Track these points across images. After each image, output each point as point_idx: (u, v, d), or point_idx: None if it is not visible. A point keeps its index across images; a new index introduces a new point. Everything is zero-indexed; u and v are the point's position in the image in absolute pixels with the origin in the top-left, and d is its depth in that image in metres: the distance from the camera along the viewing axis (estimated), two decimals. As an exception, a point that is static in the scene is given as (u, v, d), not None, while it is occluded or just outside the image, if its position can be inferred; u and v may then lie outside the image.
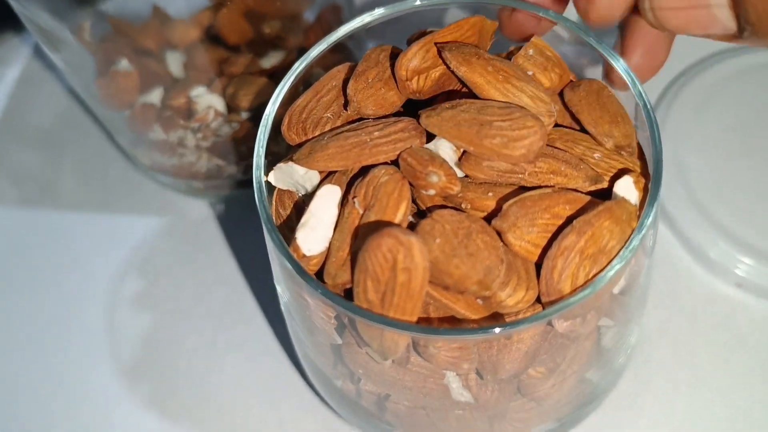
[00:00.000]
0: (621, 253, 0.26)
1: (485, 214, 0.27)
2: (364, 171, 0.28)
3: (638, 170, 0.28)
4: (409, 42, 0.30)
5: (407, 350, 0.27)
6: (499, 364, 0.27)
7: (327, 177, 0.29)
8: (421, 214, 0.28)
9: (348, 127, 0.29)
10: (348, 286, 0.27)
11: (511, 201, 0.27)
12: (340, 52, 0.33)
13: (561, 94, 0.30)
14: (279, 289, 0.32)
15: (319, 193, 0.28)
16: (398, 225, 0.26)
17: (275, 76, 0.41)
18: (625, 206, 0.26)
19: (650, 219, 0.26)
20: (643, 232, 0.26)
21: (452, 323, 0.26)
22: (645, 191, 0.28)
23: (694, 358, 0.39)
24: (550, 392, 0.30)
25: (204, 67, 0.41)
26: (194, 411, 0.40)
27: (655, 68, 0.33)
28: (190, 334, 0.42)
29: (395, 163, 0.28)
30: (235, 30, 0.40)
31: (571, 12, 0.31)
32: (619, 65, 0.29)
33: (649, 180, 0.27)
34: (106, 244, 0.45)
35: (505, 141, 0.27)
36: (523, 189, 0.27)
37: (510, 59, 0.30)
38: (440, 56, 0.29)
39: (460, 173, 0.28)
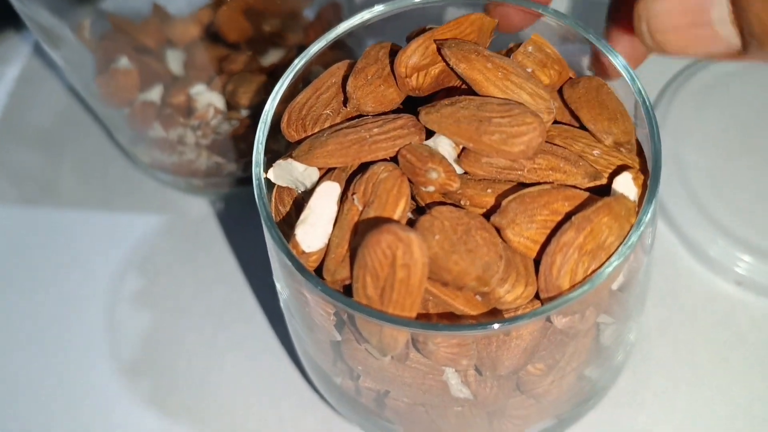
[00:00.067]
0: (620, 249, 0.26)
1: (484, 210, 0.27)
2: (364, 168, 0.28)
3: (637, 167, 0.28)
4: (409, 39, 0.30)
5: (406, 346, 0.27)
6: (498, 360, 0.27)
7: (326, 174, 0.29)
8: (420, 210, 0.28)
9: (347, 123, 0.29)
10: (347, 283, 0.27)
11: (510, 197, 0.27)
12: (340, 49, 0.33)
13: (560, 92, 0.30)
14: (278, 286, 0.32)
15: (318, 189, 0.28)
16: (397, 221, 0.26)
17: (275, 73, 0.41)
18: (624, 202, 0.26)
19: (649, 215, 0.26)
20: (642, 228, 0.26)
21: (451, 319, 0.26)
22: (644, 188, 0.28)
23: (693, 355, 0.39)
24: (549, 389, 0.30)
25: (204, 64, 0.41)
26: (194, 409, 0.40)
27: (642, 58, 0.32)
28: (190, 332, 0.42)
29: (394, 159, 0.28)
30: (235, 28, 0.40)
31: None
32: (618, 61, 0.29)
33: (648, 176, 0.27)
34: (106, 242, 0.45)
35: (504, 137, 0.27)
36: (522, 185, 0.28)
37: (509, 56, 0.30)
38: (439, 53, 0.29)
39: (459, 170, 0.28)
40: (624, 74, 0.29)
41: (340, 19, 0.32)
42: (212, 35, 0.41)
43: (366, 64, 0.30)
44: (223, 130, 0.43)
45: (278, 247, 0.27)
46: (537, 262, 0.26)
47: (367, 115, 0.29)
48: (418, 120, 0.28)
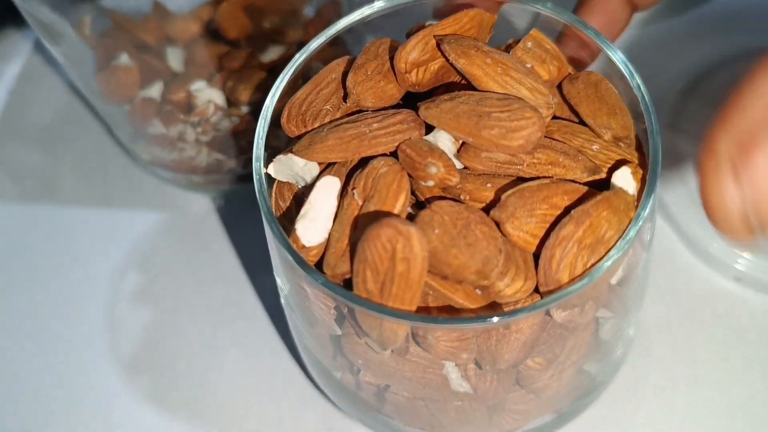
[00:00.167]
0: (618, 243, 0.26)
1: (484, 204, 0.27)
2: (364, 162, 0.28)
3: (636, 161, 0.29)
4: (408, 35, 0.31)
5: (406, 340, 0.27)
6: (497, 354, 0.27)
7: (326, 168, 0.29)
8: (420, 205, 0.28)
9: (347, 119, 0.29)
10: (347, 277, 0.27)
11: (509, 192, 0.27)
12: (339, 46, 0.34)
13: (559, 87, 0.30)
14: (279, 281, 0.32)
15: (318, 184, 0.28)
16: (397, 216, 0.26)
17: (275, 70, 0.42)
18: (623, 196, 0.27)
19: (648, 209, 0.27)
20: (641, 222, 0.26)
21: (451, 313, 0.27)
22: (643, 182, 0.28)
23: (692, 351, 0.39)
24: (549, 383, 0.30)
25: (204, 61, 0.41)
26: (194, 406, 0.40)
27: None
28: (190, 330, 0.42)
29: (394, 154, 0.28)
30: (235, 25, 0.41)
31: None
32: (617, 57, 0.30)
33: (647, 171, 0.28)
34: (106, 239, 0.45)
35: (504, 132, 0.27)
36: (522, 180, 0.28)
37: (509, 52, 0.30)
38: (439, 49, 0.29)
39: (458, 164, 0.28)
40: (623, 70, 0.29)
41: (339, 17, 0.32)
42: (212, 32, 0.41)
43: (366, 60, 0.30)
44: (223, 127, 0.43)
45: (279, 241, 0.27)
46: (536, 256, 0.27)
47: (367, 111, 0.29)
48: (418, 115, 0.28)
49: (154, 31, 0.41)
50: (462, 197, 0.28)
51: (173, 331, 0.42)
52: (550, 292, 0.26)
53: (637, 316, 0.33)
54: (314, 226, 0.28)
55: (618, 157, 0.28)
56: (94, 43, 0.41)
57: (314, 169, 0.29)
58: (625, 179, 0.27)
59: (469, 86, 0.29)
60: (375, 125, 0.28)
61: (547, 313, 0.27)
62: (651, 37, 0.48)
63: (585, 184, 0.28)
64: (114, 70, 0.41)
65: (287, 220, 0.29)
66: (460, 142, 0.28)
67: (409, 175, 0.28)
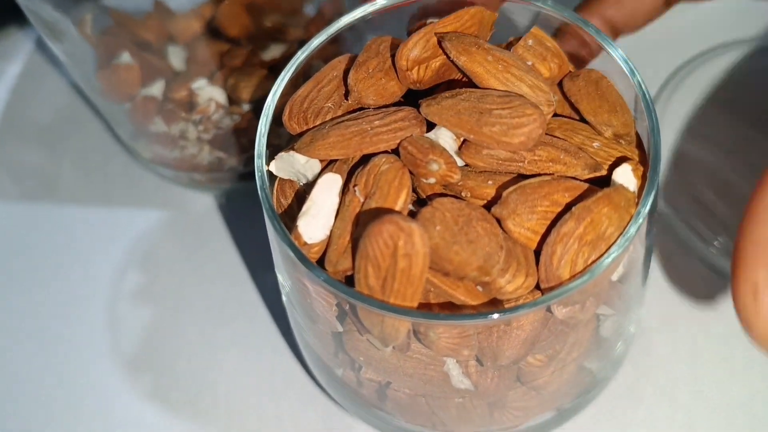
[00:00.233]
0: (619, 240, 0.26)
1: (485, 201, 0.28)
2: (365, 159, 0.28)
3: (637, 158, 0.29)
4: (410, 33, 0.31)
5: (408, 337, 0.27)
6: (498, 350, 0.27)
7: (328, 166, 0.29)
8: (421, 202, 0.28)
9: (349, 116, 0.29)
10: (349, 273, 0.27)
11: (510, 188, 0.27)
12: (340, 43, 0.34)
13: (560, 85, 0.30)
14: (280, 278, 0.32)
15: (320, 181, 0.28)
16: (399, 212, 0.26)
17: (276, 68, 0.42)
18: (624, 193, 0.27)
19: (648, 206, 0.27)
20: (642, 219, 0.26)
21: (452, 309, 0.27)
22: (643, 179, 0.28)
23: (693, 350, 0.39)
24: (550, 380, 0.30)
25: (205, 59, 0.41)
26: (195, 404, 0.40)
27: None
28: (191, 328, 0.42)
29: (396, 151, 0.28)
30: (236, 23, 0.41)
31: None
32: (617, 54, 0.30)
33: (648, 168, 0.28)
34: (107, 238, 0.46)
35: (505, 129, 0.27)
36: (523, 177, 0.28)
37: (510, 49, 0.30)
38: (440, 46, 0.29)
39: (460, 162, 0.28)
40: (624, 67, 0.29)
41: (340, 14, 0.32)
42: (213, 30, 0.41)
43: (367, 57, 0.30)
44: (224, 125, 0.43)
45: (281, 238, 0.27)
46: (537, 252, 0.27)
47: (369, 108, 0.30)
48: (419, 112, 0.28)
49: (156, 29, 0.41)
50: (463, 194, 0.28)
51: (174, 330, 0.42)
52: (551, 288, 0.26)
53: (638, 313, 0.34)
54: (316, 222, 0.28)
55: (619, 154, 0.28)
56: (95, 41, 0.41)
57: (316, 166, 0.29)
58: (625, 176, 0.27)
59: (471, 83, 0.29)
60: (376, 122, 0.28)
61: (548, 309, 0.27)
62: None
63: (586, 181, 0.28)
64: (115, 69, 0.41)
65: (289, 218, 0.29)
66: (462, 139, 0.28)
67: (411, 172, 0.28)
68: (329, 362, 0.33)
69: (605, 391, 0.37)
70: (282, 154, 0.29)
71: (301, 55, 0.31)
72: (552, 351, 0.29)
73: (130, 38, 0.41)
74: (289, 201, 0.30)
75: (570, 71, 0.31)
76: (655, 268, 0.41)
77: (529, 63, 0.30)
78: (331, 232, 0.27)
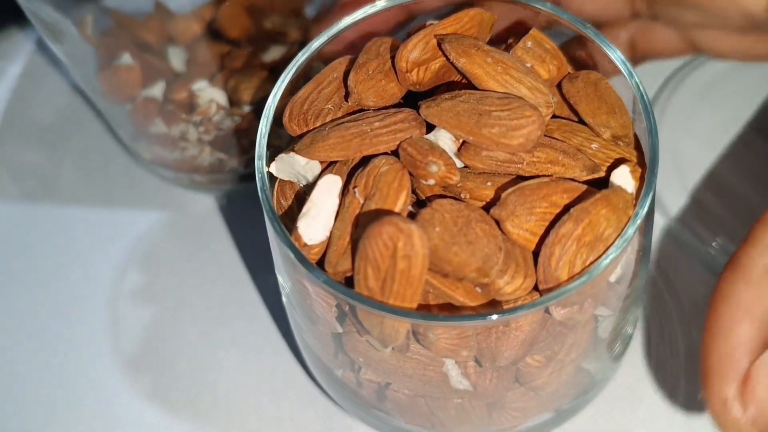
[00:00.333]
0: (617, 241, 0.26)
1: (484, 203, 0.28)
2: (365, 161, 0.28)
3: (635, 160, 0.29)
4: (409, 34, 0.31)
5: (407, 338, 0.27)
6: (497, 351, 0.27)
7: (328, 167, 0.29)
8: (420, 203, 0.28)
9: (349, 118, 0.29)
10: (349, 274, 0.27)
11: (509, 190, 0.27)
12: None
13: (559, 86, 0.31)
14: (280, 279, 0.32)
15: (320, 183, 0.28)
16: (398, 214, 0.27)
17: (276, 70, 0.42)
18: (622, 194, 0.27)
19: (646, 208, 0.27)
20: (639, 220, 0.26)
21: (451, 310, 0.27)
22: (641, 180, 0.28)
23: (692, 351, 0.39)
24: (548, 381, 0.30)
25: (206, 61, 0.42)
26: (195, 404, 0.40)
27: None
28: (191, 328, 0.42)
29: (395, 153, 0.28)
30: (237, 24, 0.41)
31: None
32: (615, 56, 0.30)
33: (646, 169, 0.28)
34: (107, 238, 0.46)
35: (504, 130, 0.27)
36: (522, 178, 0.28)
37: (509, 51, 0.30)
38: (440, 48, 0.29)
39: (459, 163, 0.28)
40: (622, 69, 0.30)
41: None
42: (214, 32, 0.41)
43: (367, 59, 0.30)
44: (225, 126, 0.43)
45: (281, 239, 0.27)
46: (536, 254, 0.27)
47: (368, 110, 0.30)
48: (419, 114, 0.28)
49: (156, 30, 0.41)
50: (462, 195, 0.28)
51: (174, 330, 0.42)
52: (550, 289, 0.26)
53: (636, 314, 0.34)
54: (316, 224, 0.28)
55: (617, 156, 0.29)
56: (96, 42, 0.41)
57: (316, 167, 0.29)
58: (623, 178, 0.27)
59: (470, 85, 0.29)
60: (376, 124, 0.28)
61: (547, 310, 0.27)
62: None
63: (584, 182, 0.28)
64: (116, 70, 0.41)
65: (289, 219, 0.29)
66: (461, 140, 0.28)
67: (410, 174, 0.28)
68: (329, 363, 0.33)
69: (604, 391, 0.37)
70: (282, 156, 0.29)
71: (301, 57, 0.31)
72: (550, 352, 0.29)
73: (131, 39, 0.41)
74: (290, 202, 0.30)
75: (569, 72, 0.31)
76: (653, 268, 0.41)
77: (528, 65, 0.30)
78: (331, 233, 0.28)
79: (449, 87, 0.30)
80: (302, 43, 0.38)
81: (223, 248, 0.44)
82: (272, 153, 0.30)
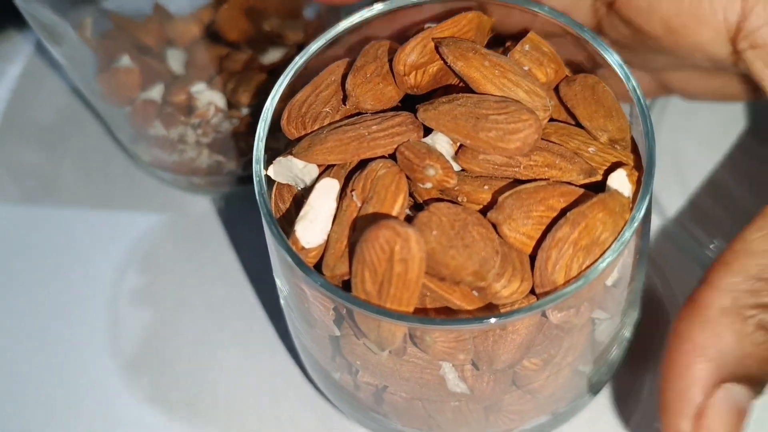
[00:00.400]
0: (614, 245, 0.26)
1: (481, 206, 0.28)
2: (363, 164, 0.28)
3: (632, 164, 0.29)
4: (407, 37, 0.31)
5: (404, 341, 0.27)
6: (494, 354, 0.27)
7: (326, 170, 0.29)
8: (418, 207, 0.28)
9: (346, 121, 0.29)
10: (346, 278, 0.27)
11: (506, 194, 0.27)
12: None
13: (557, 89, 0.31)
14: (278, 282, 0.32)
15: (317, 186, 0.28)
16: (395, 217, 0.27)
17: (275, 72, 0.42)
18: (619, 198, 0.27)
19: (643, 211, 0.27)
20: (636, 224, 0.27)
21: (448, 314, 0.27)
22: (638, 184, 0.28)
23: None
24: (545, 384, 0.30)
25: (204, 63, 0.42)
26: (194, 404, 0.40)
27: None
28: (190, 330, 0.42)
29: (393, 156, 0.28)
30: (236, 27, 0.41)
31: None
32: (613, 60, 0.30)
33: (643, 173, 0.28)
34: (106, 240, 0.46)
35: (501, 134, 0.27)
36: (519, 182, 0.28)
37: (506, 54, 0.30)
38: (437, 51, 0.29)
39: (456, 167, 0.28)
40: (619, 72, 0.30)
41: (339, 19, 0.32)
42: (213, 34, 0.41)
43: (365, 62, 0.30)
44: (223, 129, 0.43)
45: (278, 242, 0.27)
46: (533, 257, 0.27)
47: (366, 113, 0.30)
48: (416, 117, 0.29)
49: (155, 32, 0.41)
50: (460, 199, 0.28)
51: (173, 331, 0.42)
52: (546, 293, 0.26)
53: (633, 317, 0.34)
54: (313, 227, 0.28)
55: (614, 160, 0.29)
56: (95, 44, 0.41)
57: (314, 171, 0.29)
58: (620, 181, 0.27)
59: (467, 89, 0.29)
60: (374, 127, 0.28)
61: (544, 314, 0.27)
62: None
63: (581, 186, 0.28)
64: (115, 72, 0.41)
65: (287, 222, 0.29)
66: (458, 144, 0.28)
67: (408, 177, 0.28)
68: (327, 366, 0.33)
69: (603, 393, 0.37)
70: (280, 159, 0.29)
71: (299, 60, 0.31)
72: (547, 355, 0.29)
73: (130, 42, 0.41)
74: (287, 205, 0.30)
75: (566, 76, 0.31)
76: (650, 271, 0.41)
77: (526, 68, 0.30)
78: (329, 236, 0.28)
79: (447, 90, 0.30)
80: (301, 46, 0.38)
81: (222, 250, 0.45)
82: (271, 156, 0.30)
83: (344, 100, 0.30)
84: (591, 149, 0.29)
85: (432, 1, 0.32)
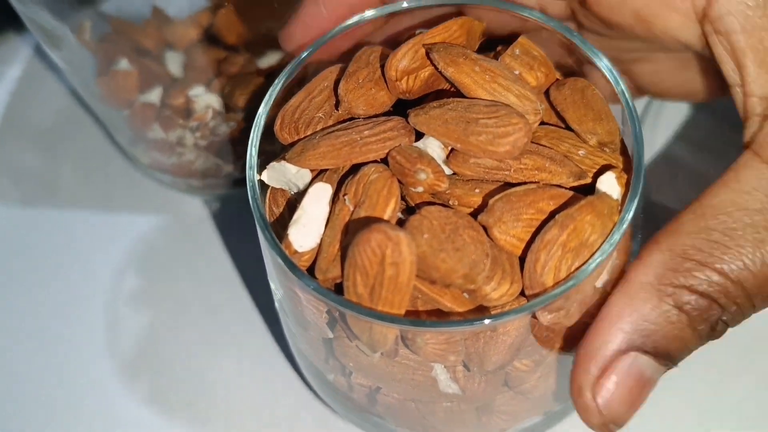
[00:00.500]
0: (602, 246, 0.27)
1: (472, 209, 0.28)
2: (355, 169, 0.28)
3: (621, 166, 0.29)
4: (399, 43, 0.31)
5: (396, 343, 0.28)
6: (485, 356, 0.28)
7: (318, 175, 0.29)
8: (410, 210, 0.29)
9: (339, 126, 0.29)
10: (338, 281, 0.27)
11: (496, 197, 0.27)
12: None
13: (547, 93, 0.31)
14: (273, 285, 0.32)
15: (310, 190, 0.28)
16: (387, 221, 0.27)
17: (272, 76, 0.42)
18: (607, 201, 0.27)
19: (631, 213, 0.27)
20: (625, 225, 0.27)
21: (439, 316, 0.27)
22: (627, 187, 0.28)
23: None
24: (537, 385, 0.30)
25: (203, 66, 0.42)
26: (191, 406, 0.40)
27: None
28: (188, 331, 0.42)
29: (385, 161, 0.29)
30: (234, 30, 0.41)
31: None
32: (602, 63, 0.30)
33: (632, 175, 0.28)
34: (105, 241, 0.46)
35: (491, 138, 0.27)
36: (509, 185, 0.28)
37: (497, 59, 0.30)
38: (428, 57, 0.30)
39: (447, 171, 0.29)
40: (608, 76, 0.30)
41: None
42: (211, 37, 0.41)
43: (357, 67, 0.30)
44: (221, 132, 0.43)
45: (271, 247, 0.28)
46: (523, 259, 0.27)
47: (359, 118, 0.30)
48: (408, 122, 0.29)
49: (154, 36, 0.41)
50: (451, 202, 0.28)
51: (171, 331, 0.42)
52: (536, 295, 0.26)
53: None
54: (306, 231, 0.28)
55: (603, 162, 0.29)
56: (94, 48, 0.41)
57: (307, 175, 0.29)
58: (609, 184, 0.28)
59: (459, 93, 0.29)
60: (366, 132, 0.29)
61: (533, 315, 0.27)
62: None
63: (571, 188, 0.28)
64: (114, 75, 0.42)
65: (281, 226, 0.29)
66: (449, 148, 0.29)
67: (399, 181, 0.28)
68: (321, 367, 0.33)
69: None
70: (273, 164, 0.30)
71: (293, 66, 0.32)
72: (538, 356, 0.29)
73: (129, 45, 0.41)
74: (281, 210, 0.30)
75: (557, 79, 0.31)
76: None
77: (516, 72, 0.30)
78: (321, 240, 0.28)
79: (438, 95, 0.30)
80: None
81: (220, 251, 0.45)
82: (265, 160, 0.30)
83: (337, 105, 0.30)
84: (581, 152, 0.29)
85: (422, 7, 0.33)
